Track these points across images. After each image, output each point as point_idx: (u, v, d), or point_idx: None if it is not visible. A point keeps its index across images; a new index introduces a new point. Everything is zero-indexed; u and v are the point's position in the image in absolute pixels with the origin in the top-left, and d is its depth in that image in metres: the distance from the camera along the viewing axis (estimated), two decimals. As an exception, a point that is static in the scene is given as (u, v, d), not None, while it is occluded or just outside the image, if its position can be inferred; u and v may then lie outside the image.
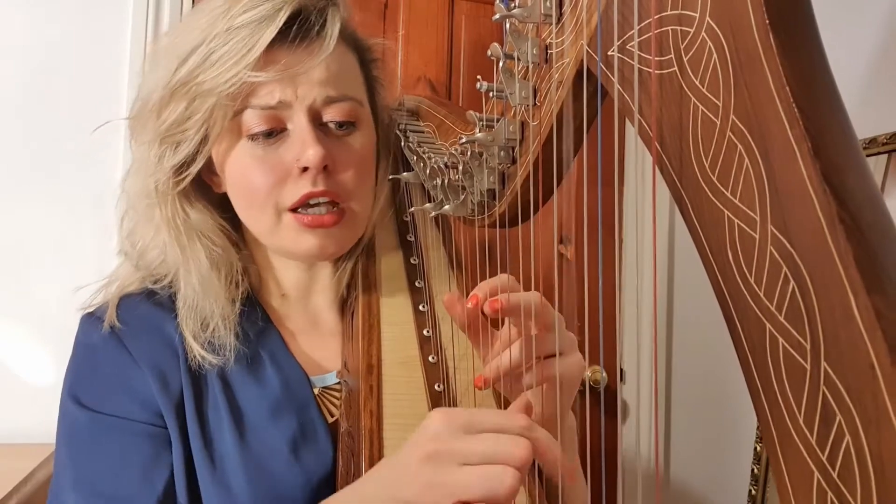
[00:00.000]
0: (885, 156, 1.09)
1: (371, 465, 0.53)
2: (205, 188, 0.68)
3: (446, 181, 0.62)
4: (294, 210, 0.63)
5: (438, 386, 0.63)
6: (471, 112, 0.55)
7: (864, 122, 1.11)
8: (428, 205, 0.66)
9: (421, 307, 0.70)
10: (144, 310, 0.66)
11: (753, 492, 1.31)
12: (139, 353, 0.63)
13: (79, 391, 0.62)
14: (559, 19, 0.42)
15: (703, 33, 0.30)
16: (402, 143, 0.76)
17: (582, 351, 0.55)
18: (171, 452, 0.60)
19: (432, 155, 0.67)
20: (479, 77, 0.51)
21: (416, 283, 0.72)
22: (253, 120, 0.61)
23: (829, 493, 0.24)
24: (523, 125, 0.50)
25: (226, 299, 0.65)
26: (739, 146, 0.28)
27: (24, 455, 1.06)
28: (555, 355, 0.53)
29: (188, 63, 0.59)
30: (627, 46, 0.34)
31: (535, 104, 0.47)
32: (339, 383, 0.68)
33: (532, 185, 0.50)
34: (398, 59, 1.55)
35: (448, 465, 0.43)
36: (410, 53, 1.56)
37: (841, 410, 0.24)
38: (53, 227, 1.33)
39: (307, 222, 0.63)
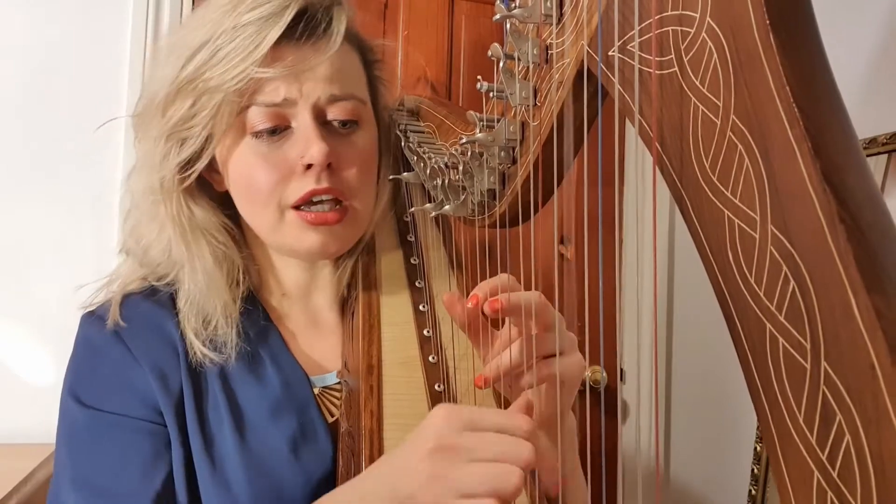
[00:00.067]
0: (885, 156, 1.09)
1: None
2: (206, 186, 0.68)
3: (446, 181, 0.62)
4: (297, 207, 0.63)
5: (439, 386, 0.63)
6: (471, 112, 0.55)
7: (864, 122, 1.11)
8: (428, 205, 0.66)
9: (421, 307, 0.70)
10: (145, 308, 0.66)
11: (753, 492, 1.31)
12: (140, 352, 0.63)
13: (79, 389, 0.62)
14: (559, 19, 0.42)
15: (703, 33, 0.30)
16: (403, 144, 0.77)
17: (582, 351, 0.55)
18: (170, 451, 0.60)
19: (432, 155, 0.67)
20: (479, 77, 0.51)
21: (417, 284, 0.72)
22: (257, 117, 0.61)
23: (829, 493, 0.24)
24: (523, 125, 0.50)
25: (228, 297, 0.65)
26: (739, 146, 0.28)
27: (24, 455, 1.06)
28: (555, 355, 0.53)
29: (195, 60, 0.60)
30: (628, 47, 0.34)
31: (536, 104, 0.47)
32: (339, 383, 0.68)
33: (532, 185, 0.50)
34: (398, 59, 1.55)
35: (453, 460, 0.43)
36: (410, 53, 1.56)
37: (841, 410, 0.24)
38: (53, 227, 1.33)
39: (310, 219, 0.63)
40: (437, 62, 1.58)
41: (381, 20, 1.56)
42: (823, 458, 0.25)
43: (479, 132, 0.53)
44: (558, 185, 0.50)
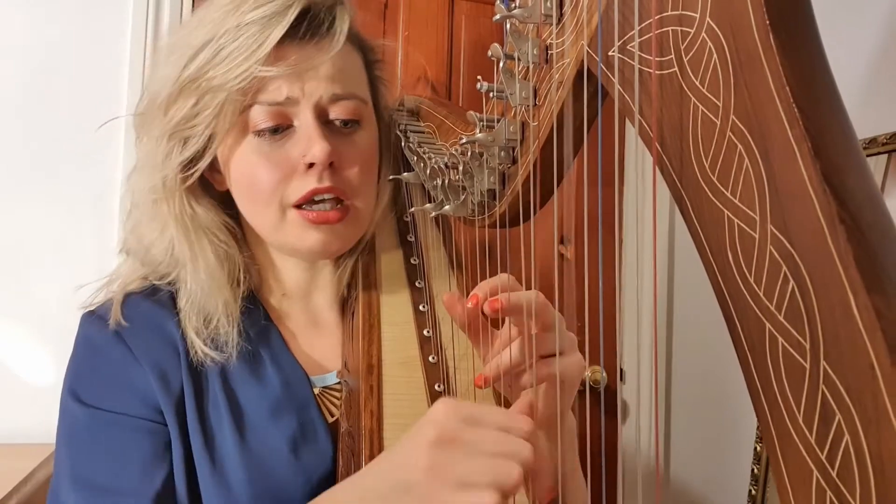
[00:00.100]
0: (885, 156, 1.09)
1: (372, 464, 0.53)
2: (207, 186, 0.68)
3: (447, 181, 0.62)
4: (299, 206, 0.63)
5: (439, 386, 0.63)
6: (471, 112, 0.55)
7: (864, 122, 1.11)
8: (428, 205, 0.66)
9: (421, 307, 0.70)
10: (145, 308, 0.66)
11: (753, 492, 1.31)
12: (140, 351, 0.63)
13: (79, 388, 0.62)
14: (559, 20, 0.42)
15: (703, 34, 0.30)
16: (403, 144, 0.77)
17: (582, 351, 0.55)
18: (170, 450, 0.60)
19: (433, 155, 0.67)
20: (479, 77, 0.51)
21: (417, 284, 0.72)
22: (260, 116, 0.61)
23: (829, 493, 0.24)
24: (523, 125, 0.50)
25: (230, 295, 0.65)
26: (739, 146, 0.28)
27: (24, 455, 1.06)
28: (555, 355, 0.53)
29: (197, 59, 0.60)
30: (628, 47, 0.34)
31: (536, 104, 0.47)
32: (339, 383, 0.68)
33: (532, 185, 0.50)
34: (398, 59, 1.56)
35: (454, 452, 0.43)
36: (410, 53, 1.56)
37: (840, 410, 0.24)
38: (53, 227, 1.33)
39: (312, 218, 0.63)
40: (437, 62, 1.58)
41: (381, 20, 1.56)
42: (823, 458, 0.25)
43: (479, 132, 0.53)
44: (558, 185, 0.50)
